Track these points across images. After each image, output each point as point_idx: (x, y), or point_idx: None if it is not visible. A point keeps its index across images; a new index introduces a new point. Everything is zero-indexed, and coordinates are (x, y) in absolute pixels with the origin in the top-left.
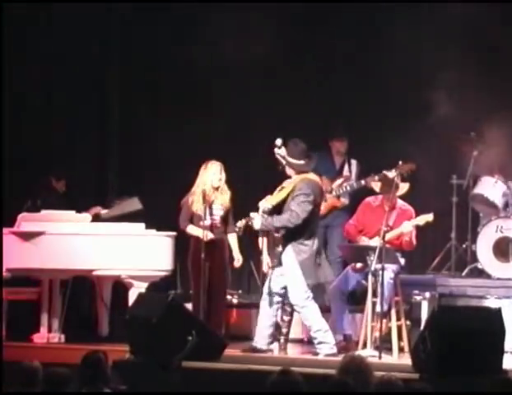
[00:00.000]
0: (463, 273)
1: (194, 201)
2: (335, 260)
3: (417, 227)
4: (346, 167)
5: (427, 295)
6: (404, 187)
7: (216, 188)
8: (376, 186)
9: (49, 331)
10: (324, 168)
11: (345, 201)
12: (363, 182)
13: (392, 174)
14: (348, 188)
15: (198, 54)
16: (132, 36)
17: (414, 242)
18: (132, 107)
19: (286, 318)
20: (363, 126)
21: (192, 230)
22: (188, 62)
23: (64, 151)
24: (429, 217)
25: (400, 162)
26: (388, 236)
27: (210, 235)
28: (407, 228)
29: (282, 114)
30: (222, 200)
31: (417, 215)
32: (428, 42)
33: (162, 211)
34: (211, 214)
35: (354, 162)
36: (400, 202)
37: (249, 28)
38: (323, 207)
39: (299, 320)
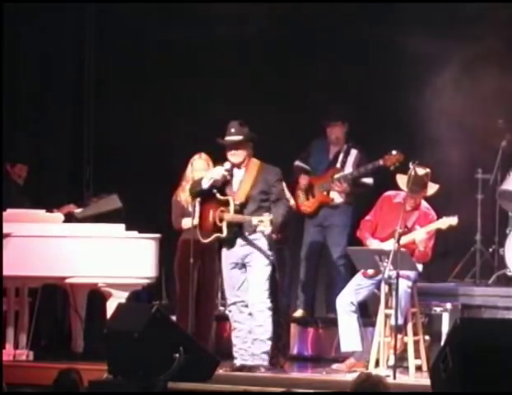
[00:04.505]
0: (490, 281)
1: (183, 195)
2: (336, 263)
3: (438, 232)
4: (340, 158)
5: (448, 306)
6: (433, 187)
7: None
8: (402, 181)
9: (16, 347)
10: (316, 159)
11: (338, 198)
12: (380, 161)
13: (422, 170)
14: (362, 170)
15: (178, 37)
16: (109, 21)
17: (429, 253)
18: (110, 96)
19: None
20: (373, 112)
21: (187, 223)
22: (171, 46)
23: (32, 137)
24: (453, 221)
25: (393, 152)
26: (402, 241)
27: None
28: (420, 236)
29: (278, 100)
30: None
31: (439, 217)
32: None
33: (145, 211)
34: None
35: (354, 152)
36: (424, 204)
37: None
38: (311, 203)
39: (299, 335)
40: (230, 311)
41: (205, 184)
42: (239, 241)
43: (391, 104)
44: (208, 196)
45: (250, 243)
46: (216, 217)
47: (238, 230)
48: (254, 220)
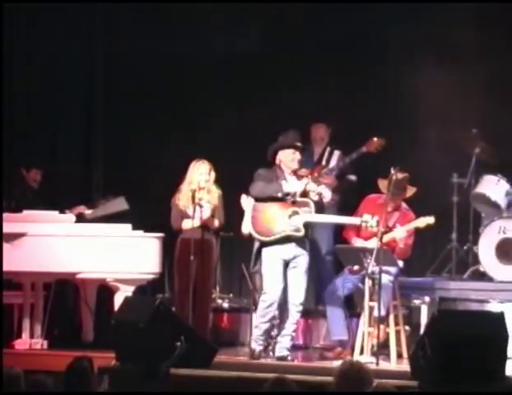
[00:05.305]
0: (465, 276)
1: (181, 198)
2: (324, 260)
3: (417, 231)
4: (325, 157)
5: (427, 299)
6: (412, 190)
7: (203, 188)
8: (383, 185)
9: (32, 337)
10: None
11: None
12: (364, 148)
13: (401, 175)
14: (347, 160)
15: (186, 53)
16: (119, 33)
17: (409, 250)
18: (119, 104)
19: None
20: (354, 118)
21: (187, 224)
22: (176, 61)
23: (46, 144)
24: (429, 220)
25: (375, 138)
26: (384, 239)
27: (206, 214)
28: (400, 234)
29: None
30: (210, 199)
31: (418, 217)
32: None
33: (150, 212)
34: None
35: (337, 153)
36: (404, 206)
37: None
38: None
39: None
40: (270, 305)
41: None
42: (294, 241)
43: (374, 112)
44: (267, 200)
45: (300, 245)
46: (287, 217)
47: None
48: (357, 220)
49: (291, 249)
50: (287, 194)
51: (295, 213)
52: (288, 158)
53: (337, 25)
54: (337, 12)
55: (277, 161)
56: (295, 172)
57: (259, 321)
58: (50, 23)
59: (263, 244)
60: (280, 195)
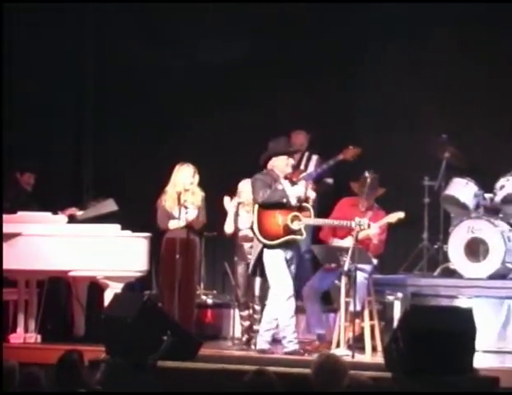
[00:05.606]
0: (435, 273)
1: (167, 200)
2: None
3: (389, 228)
4: (303, 162)
5: (399, 295)
6: (381, 190)
7: (188, 190)
8: (355, 187)
9: (26, 331)
10: None
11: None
12: (341, 156)
13: (371, 175)
14: (325, 166)
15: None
16: (109, 37)
17: (382, 246)
18: (108, 108)
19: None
20: (333, 124)
21: (173, 224)
22: (164, 68)
23: (37, 148)
24: (400, 214)
25: (351, 147)
26: (359, 236)
27: (191, 215)
28: (373, 230)
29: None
30: (194, 200)
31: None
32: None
33: (138, 213)
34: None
35: (315, 158)
36: (375, 205)
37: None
38: None
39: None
40: (289, 298)
41: (293, 202)
42: (294, 243)
43: (349, 119)
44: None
45: (297, 246)
46: (288, 220)
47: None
48: (351, 223)
49: (291, 250)
50: (298, 199)
51: (296, 217)
52: (282, 163)
53: (312, 37)
54: (314, 24)
55: (270, 166)
56: (287, 176)
57: (288, 318)
58: (40, 24)
59: (265, 247)
60: (285, 201)
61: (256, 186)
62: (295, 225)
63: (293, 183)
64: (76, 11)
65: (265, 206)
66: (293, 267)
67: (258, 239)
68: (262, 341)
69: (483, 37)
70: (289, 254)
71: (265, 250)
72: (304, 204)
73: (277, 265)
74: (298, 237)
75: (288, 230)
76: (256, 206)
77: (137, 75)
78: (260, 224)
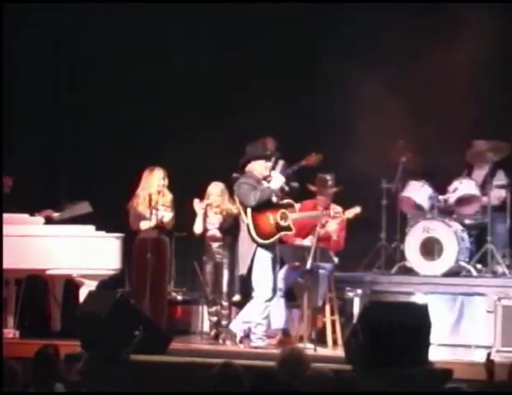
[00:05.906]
0: (393, 271)
1: (140, 203)
2: None
3: (348, 225)
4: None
5: (359, 291)
6: (337, 189)
7: (159, 192)
8: (314, 189)
9: (5, 327)
10: None
11: None
12: (303, 162)
13: (328, 176)
14: (289, 171)
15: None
16: (84, 41)
17: (341, 242)
18: (83, 113)
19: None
20: (297, 129)
21: (144, 225)
22: (138, 73)
23: (17, 153)
24: (356, 209)
25: (313, 154)
26: (320, 233)
27: (167, 217)
28: (332, 226)
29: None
30: (164, 202)
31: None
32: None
33: (111, 214)
34: (156, 215)
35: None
36: (333, 205)
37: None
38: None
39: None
40: (269, 300)
41: (279, 194)
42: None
43: (311, 125)
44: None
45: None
46: (278, 218)
47: None
48: (328, 212)
49: (276, 249)
50: (282, 190)
51: (284, 215)
52: (261, 167)
53: (269, 42)
54: (275, 28)
55: (249, 169)
56: (265, 178)
57: (260, 318)
58: (16, 25)
59: (261, 247)
60: (274, 197)
61: (245, 190)
62: (284, 222)
63: (268, 181)
64: (54, 9)
65: (256, 209)
66: (278, 266)
67: (255, 241)
68: (256, 339)
69: (435, 43)
70: (276, 252)
71: (259, 250)
72: (288, 200)
73: (265, 267)
74: (289, 233)
75: (279, 228)
76: (249, 210)
77: (112, 79)
78: (256, 226)
